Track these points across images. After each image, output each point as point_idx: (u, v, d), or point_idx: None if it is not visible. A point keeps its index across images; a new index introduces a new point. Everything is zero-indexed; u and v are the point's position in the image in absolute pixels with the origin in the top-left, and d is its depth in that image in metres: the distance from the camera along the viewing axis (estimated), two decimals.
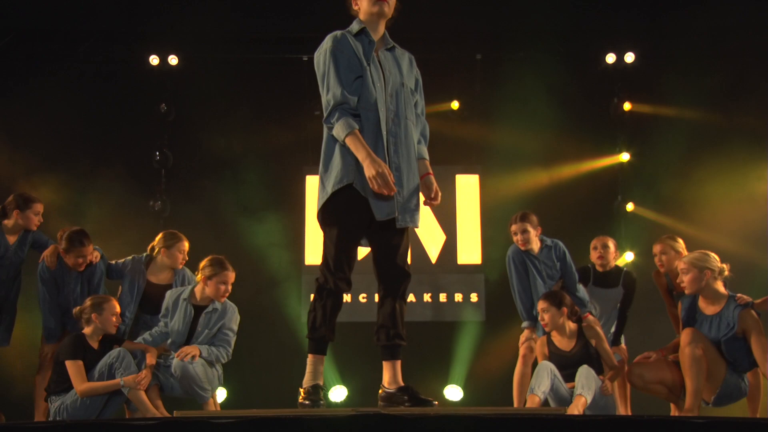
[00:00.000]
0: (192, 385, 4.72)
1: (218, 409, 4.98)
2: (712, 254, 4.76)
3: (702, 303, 4.76)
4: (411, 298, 7.94)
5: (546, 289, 5.24)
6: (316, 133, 7.23)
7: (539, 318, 5.07)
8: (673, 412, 5.03)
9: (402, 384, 3.55)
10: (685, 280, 4.72)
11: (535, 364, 5.16)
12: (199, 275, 4.95)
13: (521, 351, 5.38)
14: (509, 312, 7.37)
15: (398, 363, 3.59)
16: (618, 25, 7.56)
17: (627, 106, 7.83)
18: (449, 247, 8.01)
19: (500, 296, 7.48)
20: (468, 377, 7.57)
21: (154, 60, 7.90)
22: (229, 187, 7.82)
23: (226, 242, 7.64)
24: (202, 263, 4.97)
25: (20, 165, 7.34)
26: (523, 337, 5.40)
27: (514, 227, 5.32)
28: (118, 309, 4.88)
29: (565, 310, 5.00)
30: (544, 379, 4.81)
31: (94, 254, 5.31)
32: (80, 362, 4.67)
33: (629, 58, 7.81)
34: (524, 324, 5.40)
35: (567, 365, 4.93)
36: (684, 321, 4.85)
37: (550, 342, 5.06)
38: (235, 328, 5.03)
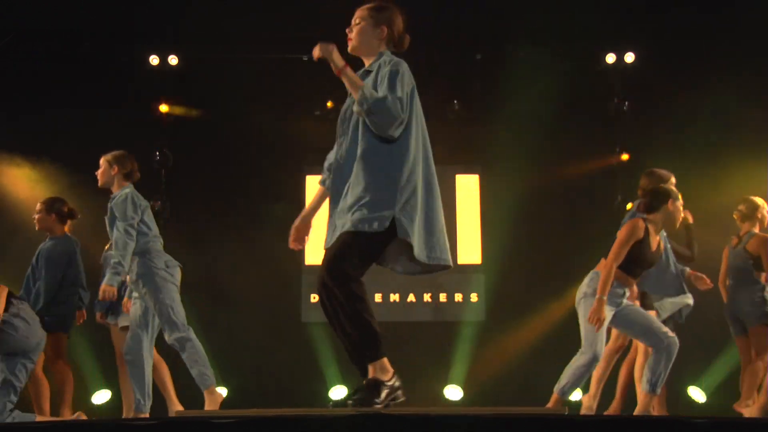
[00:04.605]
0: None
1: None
2: None
3: None
4: (411, 298, 7.93)
5: None
6: (316, 133, 7.27)
7: None
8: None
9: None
10: None
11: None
12: None
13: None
14: (509, 312, 7.40)
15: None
16: (618, 25, 7.56)
17: (627, 106, 7.83)
18: (449, 247, 7.98)
19: (500, 296, 7.49)
20: (468, 377, 7.56)
21: (154, 60, 7.90)
22: (228, 187, 7.81)
23: (226, 242, 7.65)
24: None
25: (19, 165, 7.34)
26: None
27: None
28: None
29: None
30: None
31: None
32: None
33: (629, 58, 7.80)
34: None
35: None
36: None
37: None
38: None
